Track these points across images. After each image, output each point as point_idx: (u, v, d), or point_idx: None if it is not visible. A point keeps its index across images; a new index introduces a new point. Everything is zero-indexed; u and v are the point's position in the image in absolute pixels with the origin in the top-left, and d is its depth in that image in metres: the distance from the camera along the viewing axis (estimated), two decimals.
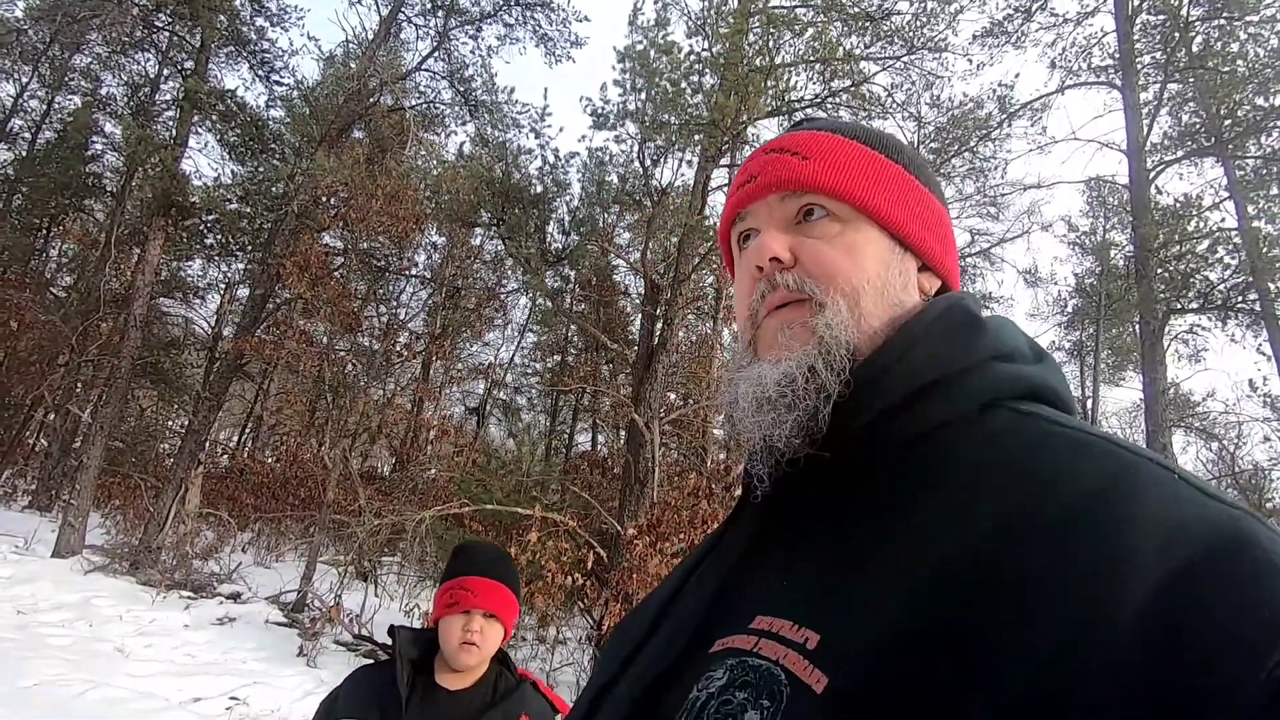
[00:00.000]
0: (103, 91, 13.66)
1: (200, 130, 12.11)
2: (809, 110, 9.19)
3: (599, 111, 8.43)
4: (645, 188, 8.80)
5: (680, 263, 8.22)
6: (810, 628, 0.41)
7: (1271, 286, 8.98)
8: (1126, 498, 0.38)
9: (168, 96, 12.94)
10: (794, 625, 0.42)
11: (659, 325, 8.37)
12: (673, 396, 11.73)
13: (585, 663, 6.80)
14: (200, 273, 14.21)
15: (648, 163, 8.49)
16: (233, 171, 12.71)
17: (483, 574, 1.44)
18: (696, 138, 7.81)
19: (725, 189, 11.49)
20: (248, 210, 12.32)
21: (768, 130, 9.59)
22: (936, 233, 0.59)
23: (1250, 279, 9.31)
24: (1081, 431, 0.44)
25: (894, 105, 9.76)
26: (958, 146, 11.63)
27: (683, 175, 9.08)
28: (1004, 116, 11.52)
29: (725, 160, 9.25)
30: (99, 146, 14.16)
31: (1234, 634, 0.32)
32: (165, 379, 13.13)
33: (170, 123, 12.19)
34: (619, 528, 7.25)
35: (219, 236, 12.41)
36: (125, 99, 13.28)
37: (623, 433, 13.80)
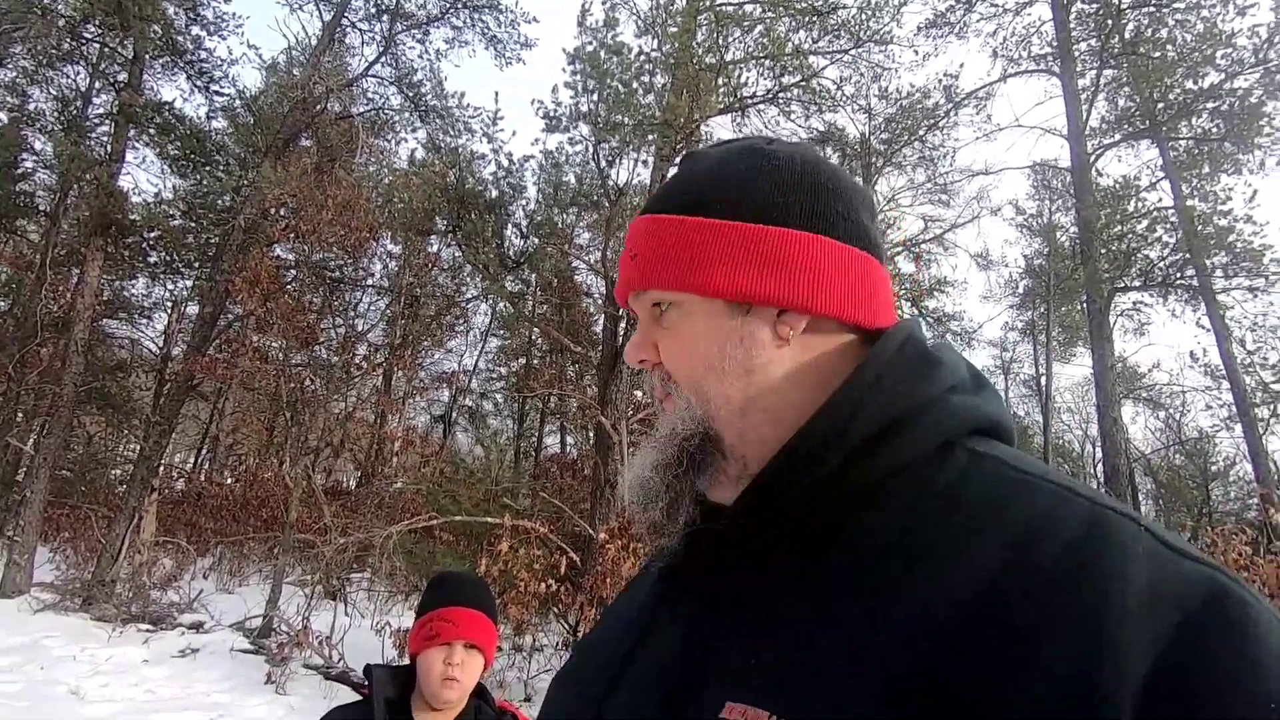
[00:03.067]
0: (30, 107, 13.03)
1: (137, 144, 11.65)
2: (761, 107, 9.27)
3: (551, 114, 8.37)
4: (602, 188, 8.77)
5: None
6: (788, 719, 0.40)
7: (1207, 263, 9.37)
8: (1105, 554, 0.38)
9: (101, 110, 12.41)
10: (771, 716, 0.40)
11: (622, 325, 8.35)
12: (639, 395, 11.72)
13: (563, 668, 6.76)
14: (145, 292, 13.69)
15: (603, 163, 8.46)
16: (174, 186, 12.28)
17: (462, 604, 1.42)
18: (650, 137, 7.81)
19: None
20: (192, 225, 11.92)
21: (721, 128, 9.63)
22: (782, 271, 0.53)
23: (1187, 256, 9.68)
24: (1037, 476, 0.44)
25: (844, 98, 9.91)
26: (907, 136, 11.85)
27: (639, 175, 9.07)
28: (950, 106, 11.78)
29: (680, 159, 9.27)
30: (29, 164, 13.51)
31: (1228, 697, 0.34)
32: (113, 404, 12.62)
33: (105, 138, 11.70)
34: (590, 531, 7.22)
35: (163, 254, 11.98)
36: (55, 114, 12.69)
37: (591, 434, 13.75)
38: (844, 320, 0.54)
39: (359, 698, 1.44)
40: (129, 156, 11.22)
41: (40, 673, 5.58)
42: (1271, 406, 10.38)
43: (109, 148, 10.94)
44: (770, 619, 0.45)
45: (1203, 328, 10.18)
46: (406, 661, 1.47)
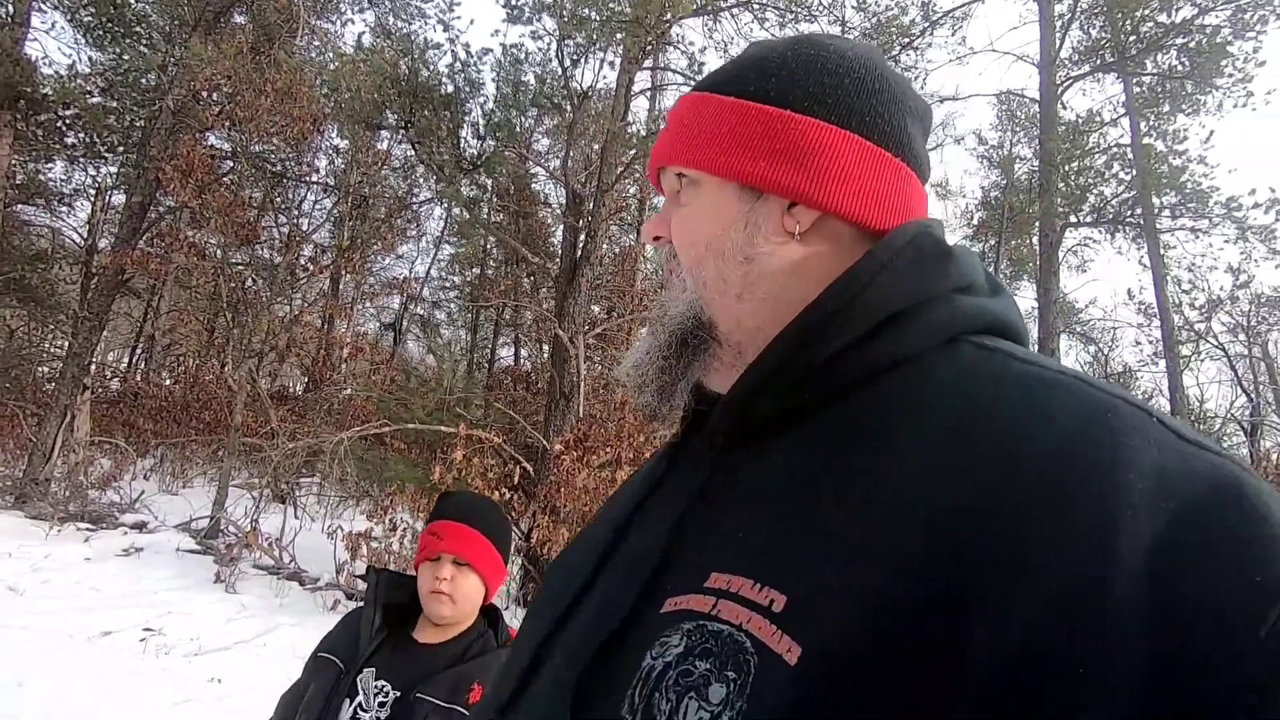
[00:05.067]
0: None
1: (44, 6, 10.43)
2: (735, 10, 8.82)
3: (513, 3, 7.78)
4: (565, 90, 8.31)
5: (603, 171, 7.92)
6: (775, 588, 0.38)
7: (1156, 202, 9.59)
8: (1105, 443, 0.36)
9: None
10: (755, 585, 0.39)
11: (582, 237, 8.13)
12: (596, 310, 11.62)
13: (514, 572, 6.95)
14: (64, 177, 12.61)
15: (567, 63, 7.98)
16: (91, 59, 11.12)
17: (455, 519, 1.35)
18: (619, 36, 7.37)
19: (649, 93, 11.03)
20: (114, 105, 10.90)
21: (693, 30, 9.15)
22: (800, 162, 0.51)
23: (1139, 194, 9.89)
24: (1048, 369, 0.42)
25: (820, 8, 9.48)
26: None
27: (605, 78, 8.61)
28: (927, 24, 11.42)
29: (649, 62, 8.82)
30: None
31: (1230, 592, 0.31)
32: (35, 297, 11.84)
33: None
34: (544, 443, 7.28)
35: (82, 135, 10.99)
36: None
37: (546, 347, 13.66)
38: (859, 222, 0.52)
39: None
40: (35, 21, 10.05)
41: None
42: (1194, 344, 11.00)
43: (10, 8, 9.76)
44: (759, 501, 0.45)
45: (1144, 266, 10.56)
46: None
